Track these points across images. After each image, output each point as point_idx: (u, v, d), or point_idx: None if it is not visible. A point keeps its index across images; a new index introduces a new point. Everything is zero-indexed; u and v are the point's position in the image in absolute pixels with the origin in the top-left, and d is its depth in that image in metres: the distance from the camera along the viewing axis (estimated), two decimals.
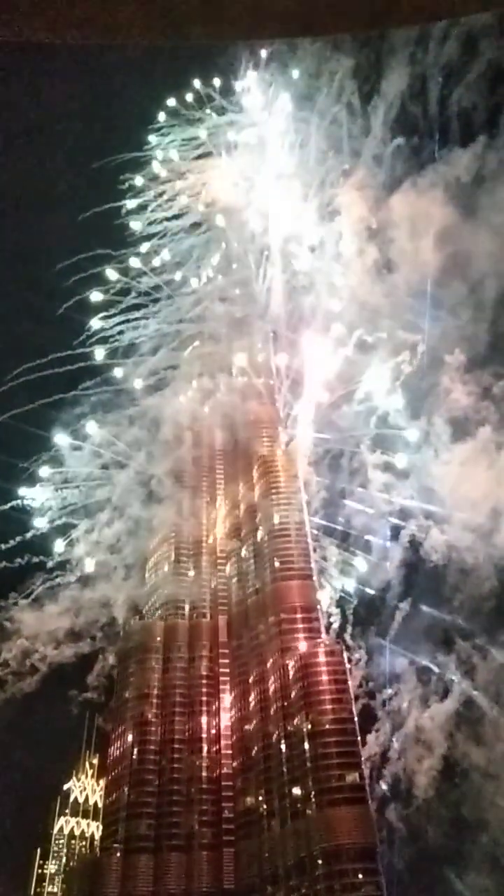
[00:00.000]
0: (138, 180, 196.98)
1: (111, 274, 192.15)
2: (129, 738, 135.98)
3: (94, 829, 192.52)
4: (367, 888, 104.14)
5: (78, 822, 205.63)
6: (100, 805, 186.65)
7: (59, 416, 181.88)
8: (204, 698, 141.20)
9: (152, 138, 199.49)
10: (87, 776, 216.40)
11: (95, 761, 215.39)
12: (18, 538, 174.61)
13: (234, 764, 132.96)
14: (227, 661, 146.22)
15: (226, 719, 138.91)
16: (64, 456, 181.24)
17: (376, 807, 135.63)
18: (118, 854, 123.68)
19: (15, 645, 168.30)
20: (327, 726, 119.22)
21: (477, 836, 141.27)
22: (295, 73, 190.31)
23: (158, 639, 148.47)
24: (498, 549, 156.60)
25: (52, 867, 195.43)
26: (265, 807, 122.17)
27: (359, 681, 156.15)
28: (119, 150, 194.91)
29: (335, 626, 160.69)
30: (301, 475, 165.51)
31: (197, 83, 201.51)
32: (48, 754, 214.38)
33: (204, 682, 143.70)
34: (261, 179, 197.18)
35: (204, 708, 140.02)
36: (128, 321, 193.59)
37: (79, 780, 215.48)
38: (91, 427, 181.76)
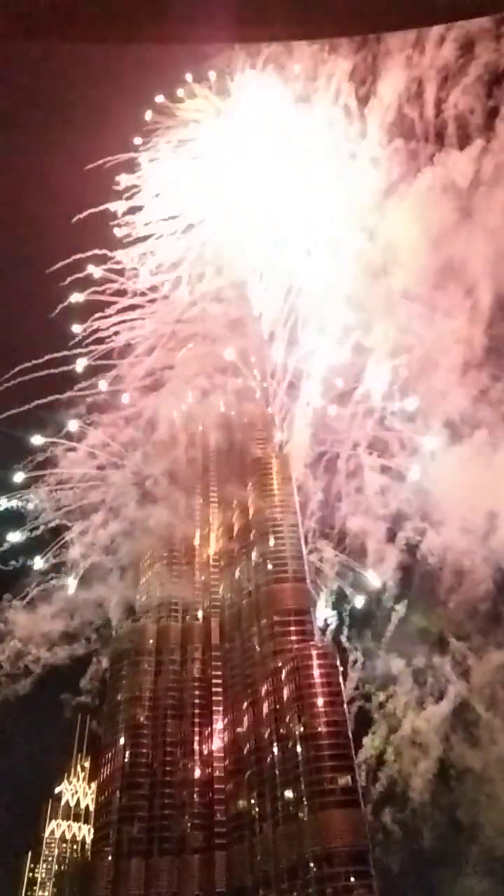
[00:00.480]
0: (133, 181, 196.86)
1: (106, 275, 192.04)
2: (121, 741, 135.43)
3: (86, 832, 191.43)
4: (359, 892, 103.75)
5: (69, 826, 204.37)
6: (91, 808, 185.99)
7: (53, 418, 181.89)
8: (196, 701, 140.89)
9: (146, 138, 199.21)
10: (78, 779, 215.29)
11: (87, 764, 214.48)
12: (12, 540, 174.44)
13: (227, 767, 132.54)
14: (219, 663, 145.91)
15: (218, 722, 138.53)
16: (58, 457, 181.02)
17: (372, 810, 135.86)
18: (109, 858, 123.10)
19: (8, 646, 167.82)
20: (320, 729, 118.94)
21: (472, 839, 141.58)
22: (292, 72, 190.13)
23: (151, 641, 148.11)
24: (493, 551, 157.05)
25: (42, 871, 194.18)
26: (257, 810, 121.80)
27: (355, 683, 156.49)
28: (113, 150, 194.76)
29: (331, 627, 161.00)
30: (294, 477, 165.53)
31: (192, 83, 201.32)
32: (40, 757, 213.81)
33: (196, 684, 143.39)
34: (255, 180, 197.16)
35: (196, 711, 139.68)
36: (123, 322, 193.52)
37: (70, 783, 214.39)
38: (73, 426, 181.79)
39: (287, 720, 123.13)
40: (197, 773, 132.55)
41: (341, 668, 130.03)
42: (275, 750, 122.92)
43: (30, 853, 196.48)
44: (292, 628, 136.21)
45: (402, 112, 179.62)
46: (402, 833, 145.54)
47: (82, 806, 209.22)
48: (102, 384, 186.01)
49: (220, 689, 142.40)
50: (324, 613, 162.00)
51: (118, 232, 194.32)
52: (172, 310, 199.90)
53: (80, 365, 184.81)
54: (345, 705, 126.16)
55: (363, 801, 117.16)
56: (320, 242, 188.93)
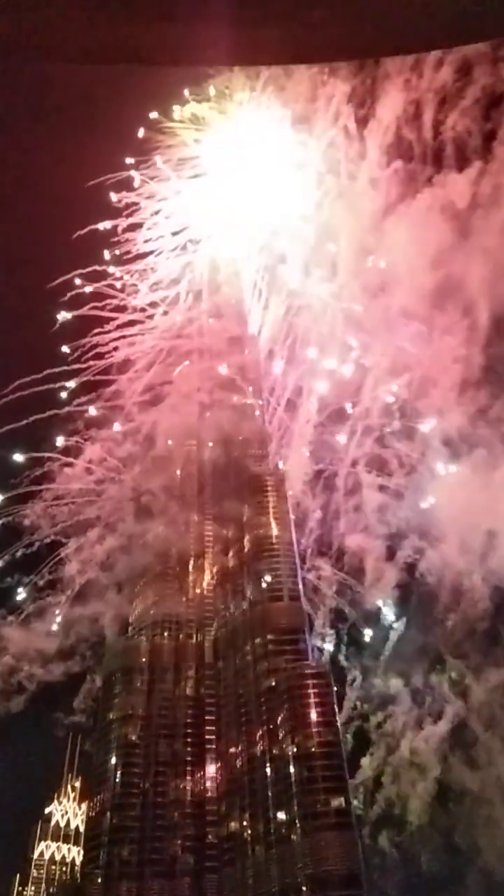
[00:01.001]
0: (133, 197, 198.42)
1: (105, 291, 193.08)
2: (113, 760, 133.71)
3: (76, 854, 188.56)
4: None
5: (59, 847, 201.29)
6: (81, 829, 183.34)
7: (52, 433, 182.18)
8: (189, 720, 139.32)
9: (146, 157, 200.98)
10: (69, 799, 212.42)
11: (78, 784, 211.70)
12: (7, 556, 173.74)
13: (219, 788, 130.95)
14: (213, 682, 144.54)
15: (211, 742, 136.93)
16: (55, 472, 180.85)
17: (369, 833, 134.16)
18: (99, 880, 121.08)
19: (1, 662, 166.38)
20: (313, 750, 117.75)
21: (470, 862, 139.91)
22: (292, 94, 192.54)
23: (144, 659, 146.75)
24: (492, 571, 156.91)
25: (31, 893, 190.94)
26: (249, 832, 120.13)
27: (353, 703, 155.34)
28: (114, 167, 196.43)
29: (329, 646, 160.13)
30: (288, 495, 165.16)
31: (192, 101, 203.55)
32: (30, 777, 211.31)
33: (189, 703, 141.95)
34: (255, 198, 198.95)
35: (189, 730, 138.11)
36: (123, 337, 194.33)
37: (60, 803, 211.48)
38: (70, 441, 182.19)
39: (280, 740, 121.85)
40: (189, 794, 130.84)
41: (338, 688, 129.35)
42: (268, 771, 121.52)
43: (18, 875, 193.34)
44: (286, 647, 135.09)
45: (401, 134, 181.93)
46: (399, 856, 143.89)
47: (72, 827, 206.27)
48: (98, 403, 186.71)
49: (213, 709, 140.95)
50: (321, 632, 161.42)
51: (117, 249, 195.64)
52: (171, 326, 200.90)
53: (79, 380, 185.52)
54: (339, 725, 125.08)
55: (360, 823, 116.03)
56: (319, 261, 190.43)
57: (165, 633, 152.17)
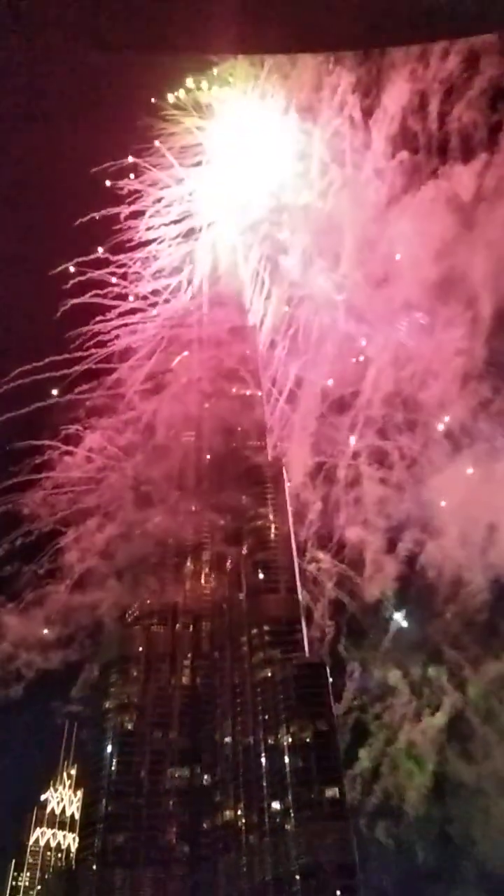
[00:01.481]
0: (136, 185, 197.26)
1: (108, 278, 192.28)
2: (108, 748, 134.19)
3: (71, 840, 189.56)
4: None
5: (54, 834, 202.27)
6: (77, 817, 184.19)
7: (53, 420, 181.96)
8: (185, 710, 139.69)
9: (149, 144, 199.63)
10: (65, 787, 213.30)
11: (74, 772, 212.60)
12: (7, 544, 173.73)
13: (213, 777, 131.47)
14: (209, 672, 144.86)
15: (206, 731, 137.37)
16: (55, 460, 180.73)
17: (366, 823, 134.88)
18: (94, 867, 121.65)
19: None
20: (308, 740, 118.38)
21: (465, 854, 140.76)
22: (297, 82, 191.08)
23: (140, 648, 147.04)
24: (491, 563, 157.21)
25: (26, 879, 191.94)
26: (244, 821, 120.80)
27: (352, 694, 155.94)
28: (117, 155, 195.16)
29: (329, 637, 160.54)
30: (287, 486, 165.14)
31: (196, 89, 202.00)
32: (27, 763, 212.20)
33: (185, 693, 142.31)
34: (259, 187, 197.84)
35: (184, 720, 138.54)
36: (125, 325, 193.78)
37: (56, 790, 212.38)
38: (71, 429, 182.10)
39: (275, 731, 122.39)
40: (184, 783, 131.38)
41: (337, 680, 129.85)
42: (263, 761, 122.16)
43: (13, 861, 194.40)
44: (283, 638, 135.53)
45: (406, 124, 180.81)
46: (395, 847, 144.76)
47: (68, 814, 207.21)
48: (99, 391, 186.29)
49: (209, 698, 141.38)
50: (320, 623, 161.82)
51: (120, 237, 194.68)
52: (173, 314, 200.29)
53: (81, 368, 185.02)
54: (334, 716, 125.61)
55: (357, 814, 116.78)
56: (323, 252, 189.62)
57: (162, 623, 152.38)
